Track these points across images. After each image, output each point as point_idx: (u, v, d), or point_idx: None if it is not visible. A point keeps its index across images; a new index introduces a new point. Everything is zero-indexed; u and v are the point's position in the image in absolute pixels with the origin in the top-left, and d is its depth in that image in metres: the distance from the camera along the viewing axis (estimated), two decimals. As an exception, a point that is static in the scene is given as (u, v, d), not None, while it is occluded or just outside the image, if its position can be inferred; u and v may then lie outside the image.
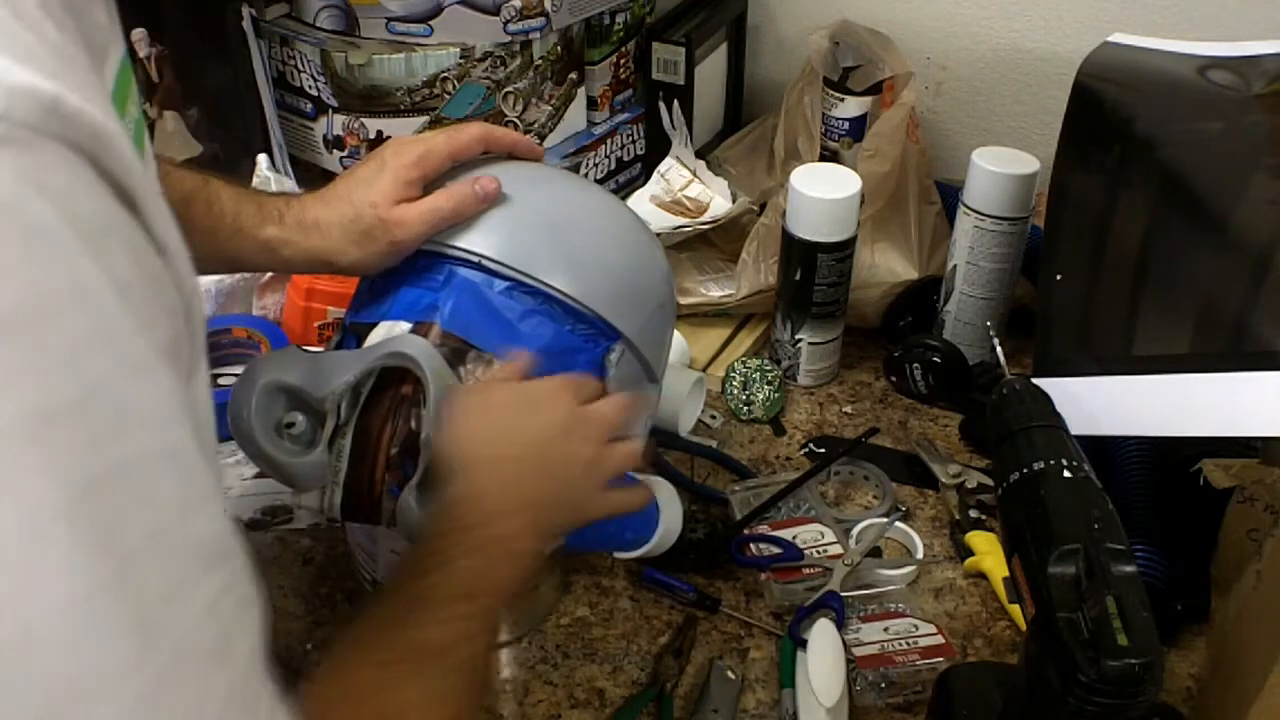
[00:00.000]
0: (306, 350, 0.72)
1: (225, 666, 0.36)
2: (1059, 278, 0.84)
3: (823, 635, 0.79)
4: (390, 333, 0.70)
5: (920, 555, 0.89)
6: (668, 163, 1.15)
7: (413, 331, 0.69)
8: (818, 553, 0.87)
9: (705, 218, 1.12)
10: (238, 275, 1.04)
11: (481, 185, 0.71)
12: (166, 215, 0.38)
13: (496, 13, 1.08)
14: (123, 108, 0.40)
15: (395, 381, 0.68)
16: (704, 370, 1.05)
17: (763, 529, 0.89)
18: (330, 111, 1.11)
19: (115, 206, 0.34)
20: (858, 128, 1.14)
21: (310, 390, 0.67)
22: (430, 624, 0.54)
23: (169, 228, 0.38)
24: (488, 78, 1.10)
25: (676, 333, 0.93)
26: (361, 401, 0.68)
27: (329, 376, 0.68)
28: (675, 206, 1.13)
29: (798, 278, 1.00)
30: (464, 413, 0.65)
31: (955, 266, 1.03)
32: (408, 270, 0.72)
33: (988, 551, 0.86)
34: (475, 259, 0.70)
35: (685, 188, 1.14)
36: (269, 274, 1.04)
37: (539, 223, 0.73)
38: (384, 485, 0.68)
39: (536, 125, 1.16)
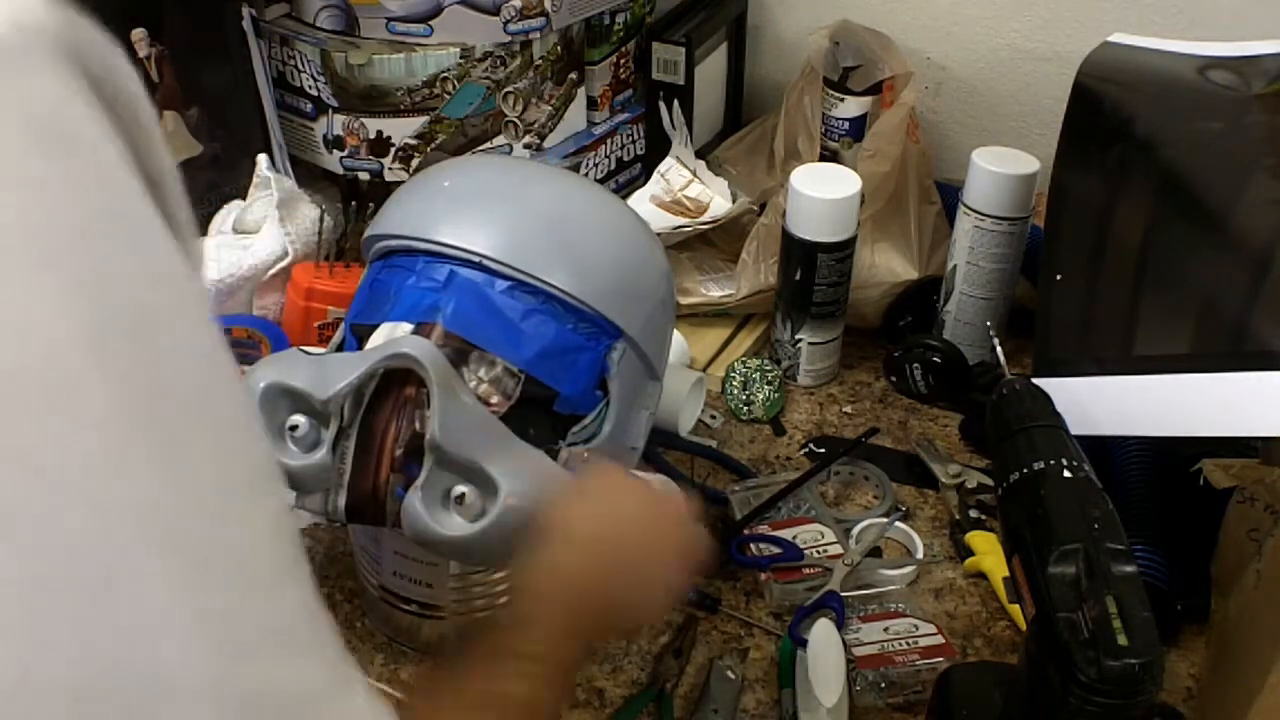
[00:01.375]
0: (308, 352, 0.72)
1: (299, 581, 0.35)
2: (1059, 278, 0.84)
3: (823, 635, 0.79)
4: (392, 334, 0.70)
5: (920, 555, 0.89)
6: (668, 163, 1.15)
7: (415, 332, 0.70)
8: (818, 553, 0.87)
9: (705, 218, 1.12)
10: (238, 275, 1.04)
11: None
12: (162, 146, 0.37)
13: (496, 13, 1.08)
14: None
15: (398, 383, 0.68)
16: (704, 370, 1.05)
17: (763, 529, 0.89)
18: (330, 111, 1.11)
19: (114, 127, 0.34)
20: (858, 128, 1.15)
21: (313, 392, 0.67)
22: (512, 677, 0.55)
23: (165, 156, 0.37)
24: (488, 78, 1.10)
25: (676, 333, 0.93)
26: (365, 403, 0.68)
27: (332, 378, 0.68)
28: (675, 206, 1.13)
29: (798, 278, 1.00)
30: (582, 487, 0.66)
31: (955, 266, 1.03)
32: (408, 271, 0.72)
33: (988, 551, 0.86)
34: (476, 259, 0.70)
35: (685, 188, 1.14)
36: (269, 274, 1.05)
37: (539, 222, 0.73)
38: (389, 487, 0.68)
39: (536, 125, 1.16)
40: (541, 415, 0.71)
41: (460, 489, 0.66)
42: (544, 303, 0.70)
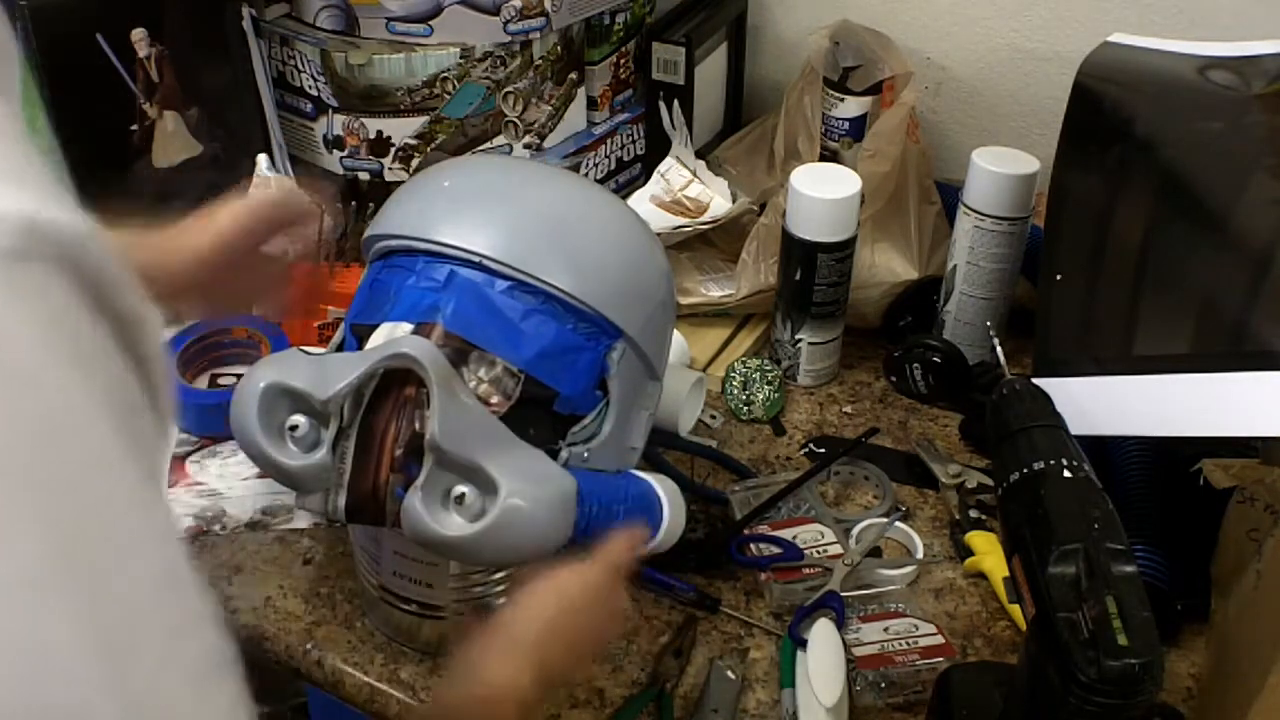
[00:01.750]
0: (308, 352, 0.72)
1: None
2: (1059, 278, 0.84)
3: (823, 635, 0.79)
4: (392, 334, 0.70)
5: (920, 555, 0.89)
6: (668, 163, 1.15)
7: (415, 332, 0.70)
8: (818, 553, 0.87)
9: (705, 218, 1.12)
10: (238, 275, 1.04)
11: None
12: (134, 288, 0.35)
13: (496, 13, 1.08)
14: (34, 118, 0.38)
15: (398, 383, 0.68)
16: (704, 370, 1.05)
17: (763, 529, 0.89)
18: (330, 111, 1.11)
19: (95, 317, 0.33)
20: (858, 128, 1.15)
21: (313, 392, 0.67)
22: None
23: (137, 301, 0.36)
24: (488, 78, 1.10)
25: (676, 333, 0.93)
26: (365, 403, 0.68)
27: (332, 378, 0.68)
28: (675, 206, 1.13)
29: (798, 278, 1.00)
30: (537, 601, 0.67)
31: (955, 266, 1.03)
32: (408, 271, 0.72)
33: (988, 551, 0.86)
34: (476, 259, 0.70)
35: (685, 188, 1.14)
36: (269, 274, 1.04)
37: (539, 222, 0.73)
38: (388, 487, 0.68)
39: (536, 125, 1.16)
40: (541, 415, 0.71)
41: (460, 489, 0.66)
42: (544, 303, 0.70)
